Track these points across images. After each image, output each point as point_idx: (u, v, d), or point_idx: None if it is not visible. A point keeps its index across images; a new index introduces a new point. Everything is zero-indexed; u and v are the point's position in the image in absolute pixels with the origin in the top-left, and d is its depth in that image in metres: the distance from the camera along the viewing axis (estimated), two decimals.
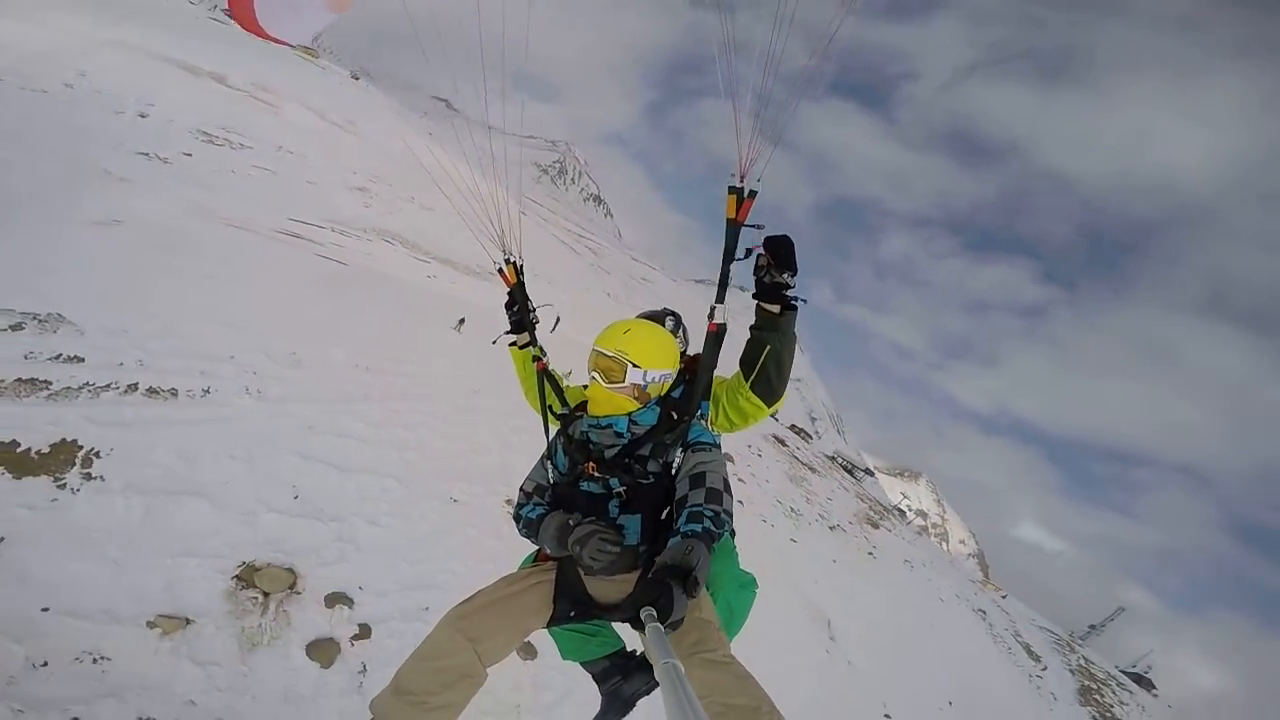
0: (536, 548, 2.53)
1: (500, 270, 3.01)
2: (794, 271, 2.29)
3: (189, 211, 9.81)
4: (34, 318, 5.03)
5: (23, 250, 6.15)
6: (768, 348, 2.36)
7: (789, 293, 2.32)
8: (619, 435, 2.37)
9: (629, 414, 2.37)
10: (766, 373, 2.39)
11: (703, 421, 2.48)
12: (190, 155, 13.22)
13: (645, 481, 2.32)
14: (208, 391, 5.44)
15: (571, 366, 6.67)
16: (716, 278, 2.54)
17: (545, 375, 2.84)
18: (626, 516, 2.30)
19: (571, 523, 2.24)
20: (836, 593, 12.15)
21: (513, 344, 3.00)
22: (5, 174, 7.82)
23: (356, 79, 33.83)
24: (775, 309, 2.32)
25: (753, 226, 2.41)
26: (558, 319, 3.15)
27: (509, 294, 2.98)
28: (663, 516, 2.32)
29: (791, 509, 15.22)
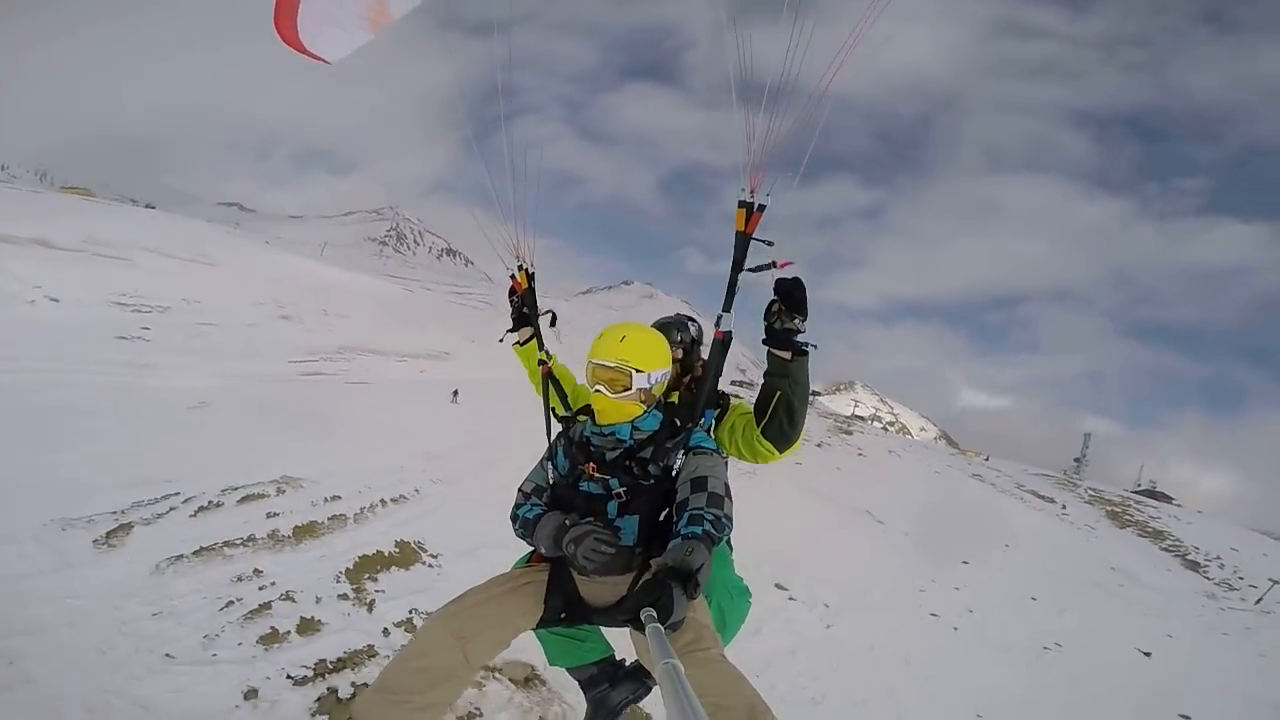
0: (531, 549, 2.51)
1: (513, 276, 3.10)
2: (805, 316, 2.28)
3: (228, 375, 10.68)
4: (275, 484, 6.26)
5: (176, 447, 7.22)
6: (778, 394, 2.36)
7: (799, 338, 2.32)
8: (621, 441, 2.39)
9: (632, 420, 2.39)
10: (778, 419, 2.39)
11: (704, 429, 2.50)
12: (149, 330, 13.59)
13: (645, 483, 2.33)
14: (417, 491, 7.01)
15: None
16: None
17: (550, 378, 2.89)
18: (624, 518, 2.29)
19: (568, 523, 2.24)
20: (854, 490, 14.67)
21: (515, 342, 3.08)
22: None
23: (151, 208, 32.04)
24: (787, 355, 2.32)
25: (763, 241, 2.47)
26: (553, 316, 3.20)
27: (511, 290, 3.08)
28: (660, 519, 2.34)
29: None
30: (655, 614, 1.62)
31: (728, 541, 2.40)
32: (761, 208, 2.48)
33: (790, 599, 8.26)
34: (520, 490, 2.55)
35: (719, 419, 2.63)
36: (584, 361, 2.50)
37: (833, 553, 11.24)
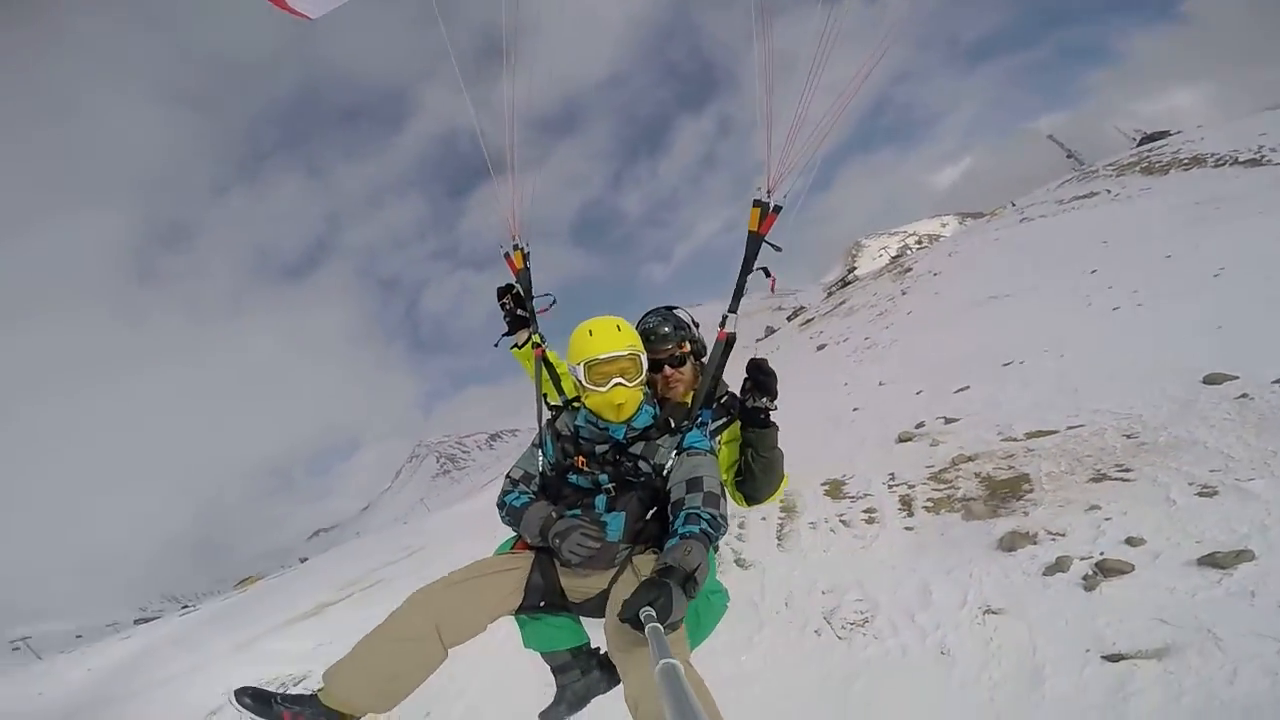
0: (515, 535, 2.49)
1: (507, 255, 3.03)
2: (773, 397, 2.35)
3: None
4: None
5: None
6: (751, 461, 2.44)
7: (768, 416, 2.39)
8: (612, 436, 2.38)
9: (629, 419, 2.37)
10: (753, 479, 2.46)
11: (702, 429, 2.47)
12: None
13: (633, 480, 2.33)
14: None
15: None
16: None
17: (544, 361, 2.87)
18: (611, 514, 2.28)
19: (554, 514, 2.26)
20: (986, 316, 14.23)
21: (513, 346, 3.02)
22: None
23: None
24: (752, 430, 2.40)
25: (773, 246, 2.47)
26: (553, 300, 3.08)
27: (501, 288, 3.02)
28: (647, 518, 2.33)
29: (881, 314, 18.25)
30: (654, 614, 1.59)
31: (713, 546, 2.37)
32: (778, 209, 2.44)
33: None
34: (508, 476, 2.54)
35: (724, 427, 2.57)
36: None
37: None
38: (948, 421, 8.20)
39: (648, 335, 2.66)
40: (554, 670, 2.58)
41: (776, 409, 2.37)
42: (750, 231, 2.48)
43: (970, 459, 6.66)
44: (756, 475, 2.44)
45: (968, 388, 9.39)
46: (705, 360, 2.76)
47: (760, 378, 2.34)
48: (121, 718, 11.01)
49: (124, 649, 18.90)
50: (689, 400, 2.65)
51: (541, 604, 2.32)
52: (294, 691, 2.15)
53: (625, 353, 2.30)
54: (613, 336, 2.32)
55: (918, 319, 18.13)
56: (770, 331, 42.59)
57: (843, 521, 6.43)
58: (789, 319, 45.41)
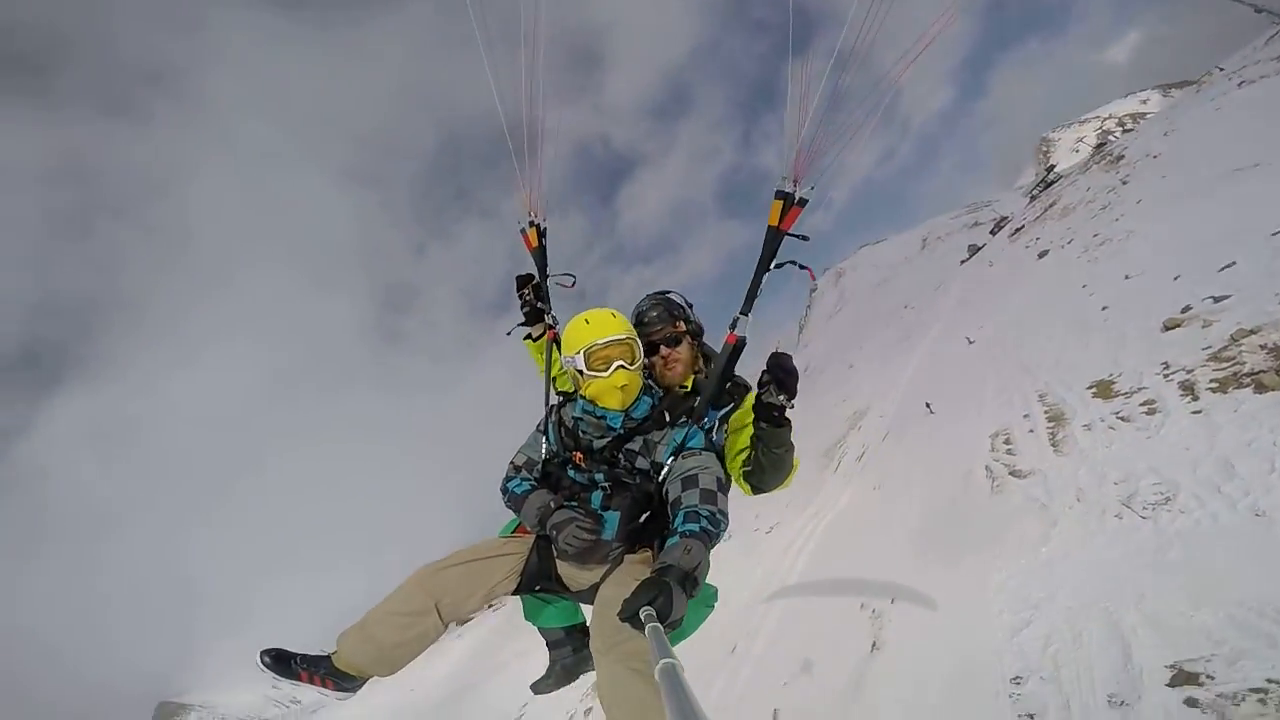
0: (517, 519, 2.55)
1: (523, 231, 3.01)
2: (792, 396, 2.29)
3: None
4: None
5: None
6: (758, 456, 2.40)
7: (783, 413, 2.33)
8: (611, 428, 2.39)
9: (628, 408, 2.38)
10: (761, 472, 2.43)
11: (704, 428, 2.44)
12: None
13: (629, 481, 2.36)
14: None
15: None
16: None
17: (556, 343, 2.84)
18: (607, 512, 2.33)
19: (553, 505, 2.30)
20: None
21: (527, 337, 3.02)
22: None
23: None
24: (766, 426, 2.34)
25: (798, 237, 2.35)
26: (574, 279, 3.08)
27: (521, 278, 3.01)
28: (641, 520, 2.35)
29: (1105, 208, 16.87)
30: (654, 613, 1.58)
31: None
32: (803, 202, 2.31)
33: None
34: (511, 463, 2.60)
35: (731, 411, 2.55)
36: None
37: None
38: (1217, 300, 7.66)
39: (640, 318, 2.71)
40: (548, 644, 2.73)
41: (793, 407, 2.32)
42: (770, 226, 2.34)
43: (1252, 332, 6.32)
44: (766, 469, 2.41)
45: (1234, 264, 8.60)
46: (704, 343, 2.81)
47: (780, 375, 2.27)
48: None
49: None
50: (689, 384, 2.67)
51: (537, 588, 2.44)
52: (313, 653, 2.37)
53: (623, 336, 2.35)
54: (609, 322, 2.37)
55: (1150, 206, 16.11)
56: (975, 250, 38.72)
57: (1121, 418, 6.41)
58: (993, 232, 41.28)
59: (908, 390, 15.12)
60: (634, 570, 2.24)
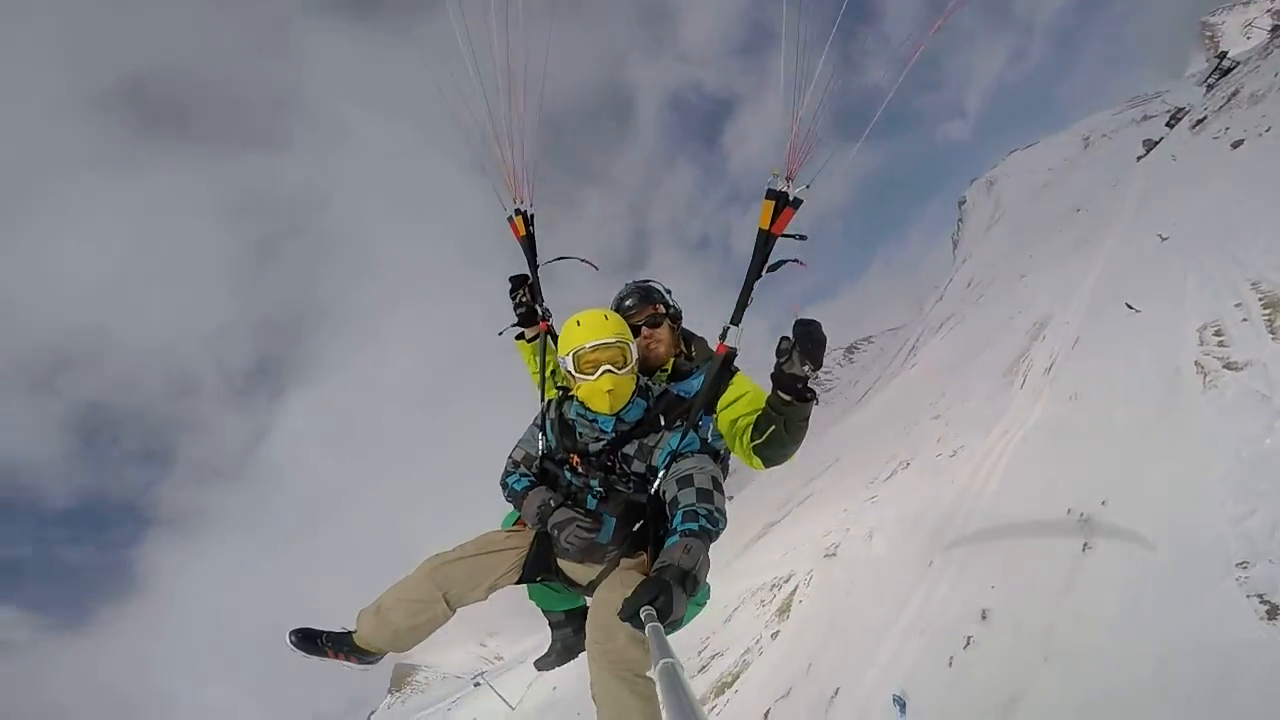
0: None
1: (510, 219, 2.92)
2: (818, 367, 2.09)
3: None
4: None
5: None
6: (773, 429, 2.26)
7: (806, 385, 2.15)
8: (603, 431, 2.39)
9: (620, 411, 2.36)
10: (770, 447, 2.31)
11: (696, 431, 2.42)
12: None
13: (622, 489, 2.38)
14: None
15: None
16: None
17: (550, 335, 2.87)
18: (604, 516, 2.37)
19: (553, 503, 2.36)
20: None
21: (520, 337, 3.01)
22: None
23: None
24: (789, 399, 2.17)
25: (793, 237, 2.20)
26: (595, 267, 3.00)
27: (515, 278, 2.94)
28: (634, 528, 2.38)
29: None
30: (655, 613, 1.60)
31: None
32: (797, 203, 2.15)
33: None
34: (510, 458, 2.65)
35: (720, 393, 2.50)
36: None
37: None
38: None
39: (620, 303, 2.76)
40: (550, 624, 2.85)
41: (818, 379, 2.17)
42: (761, 230, 2.18)
43: None
44: (785, 444, 2.28)
45: None
46: (684, 327, 2.84)
47: (809, 345, 2.07)
48: None
49: None
50: (669, 366, 2.71)
51: (539, 579, 2.56)
52: (336, 630, 2.51)
53: (613, 340, 2.32)
54: (600, 325, 2.35)
55: None
56: (1152, 145, 34.62)
57: None
58: (1170, 124, 35.92)
59: (1095, 294, 13.81)
60: (628, 575, 2.29)
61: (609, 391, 2.30)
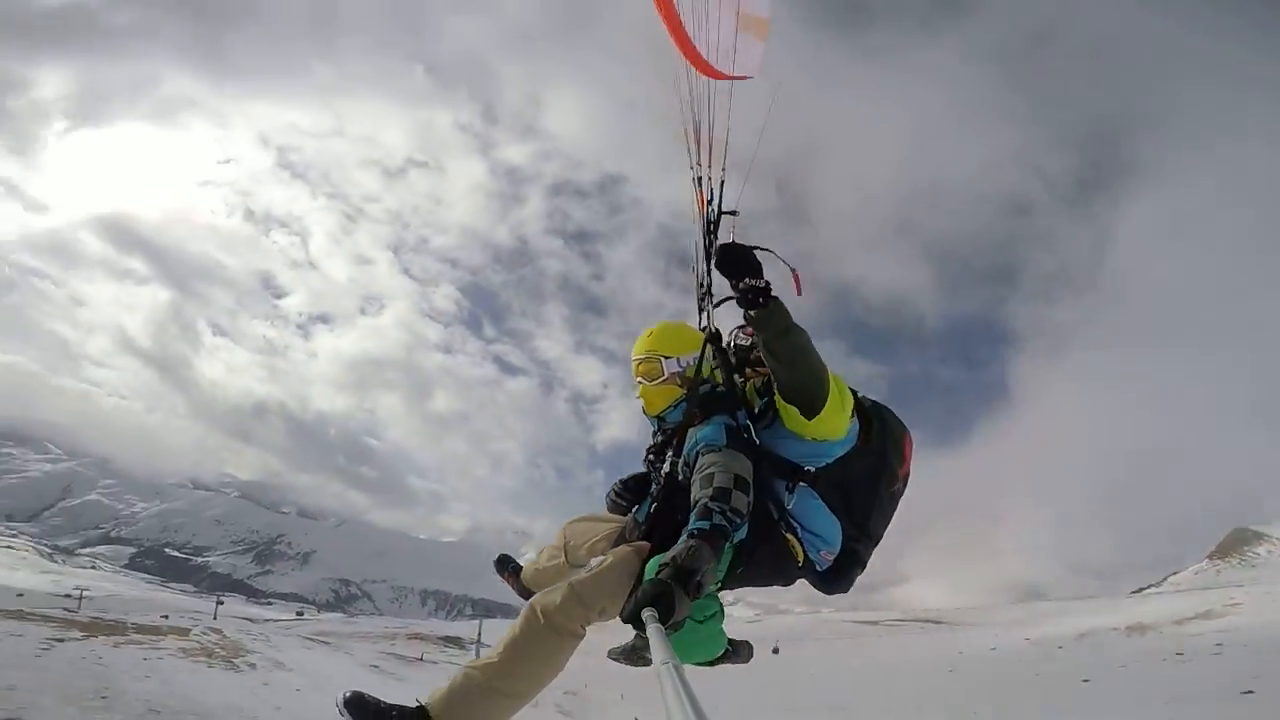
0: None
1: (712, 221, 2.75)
2: (754, 273, 2.16)
3: None
4: None
5: None
6: (776, 366, 2.24)
7: (756, 295, 2.16)
8: (654, 435, 2.60)
9: (660, 414, 2.53)
10: (781, 379, 2.24)
11: (723, 423, 2.33)
12: None
13: (655, 480, 2.51)
14: None
15: None
16: None
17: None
18: (646, 499, 2.54)
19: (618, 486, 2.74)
20: None
21: None
22: None
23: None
24: (748, 315, 2.22)
25: (728, 214, 2.40)
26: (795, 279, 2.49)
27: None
28: (657, 510, 2.45)
29: None
30: (657, 614, 1.57)
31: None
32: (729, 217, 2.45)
33: None
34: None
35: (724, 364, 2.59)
36: None
37: None
38: None
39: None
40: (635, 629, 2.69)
41: (766, 284, 2.17)
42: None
43: None
44: (783, 378, 2.23)
45: None
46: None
47: (725, 261, 2.22)
48: None
49: None
50: (757, 377, 2.65)
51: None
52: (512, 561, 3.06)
53: (642, 356, 2.56)
54: (640, 342, 2.60)
55: None
56: None
57: None
58: None
59: None
60: (623, 550, 2.36)
61: (643, 400, 2.60)
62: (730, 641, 2.47)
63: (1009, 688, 31.54)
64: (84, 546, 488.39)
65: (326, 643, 34.96)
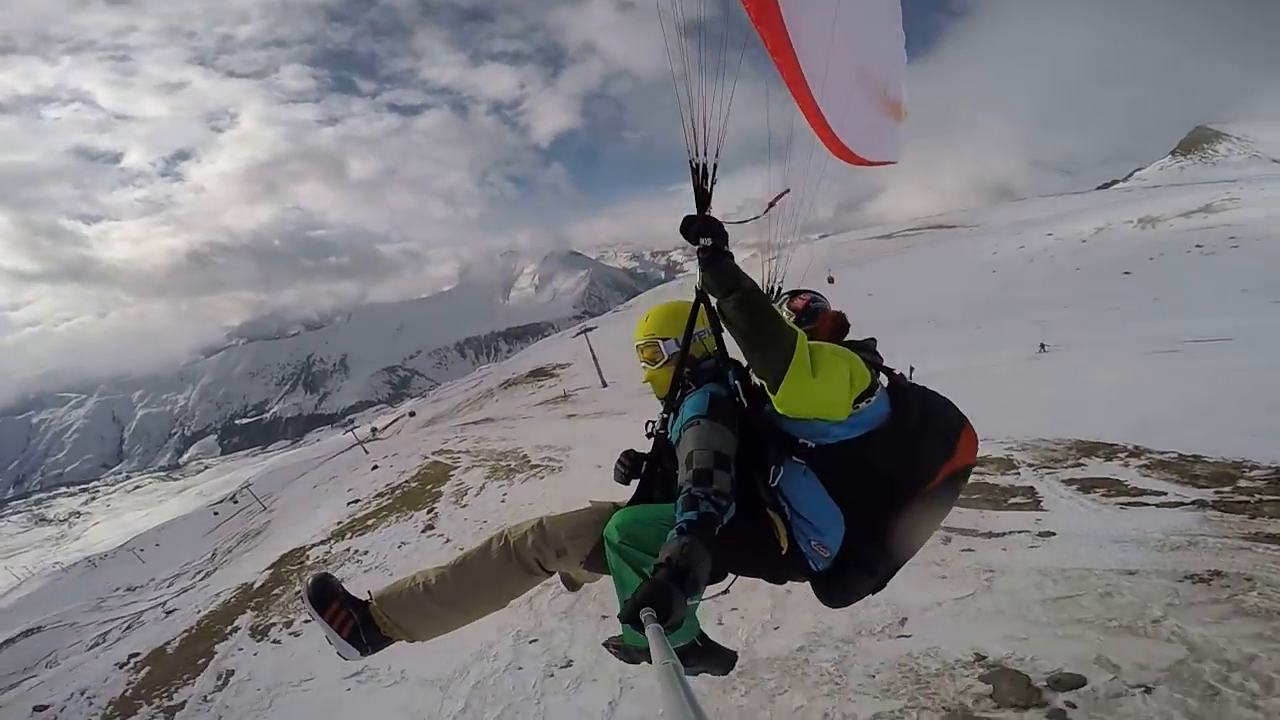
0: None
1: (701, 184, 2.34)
2: (712, 233, 1.99)
3: None
4: None
5: None
6: (722, 322, 2.14)
7: (705, 253, 1.99)
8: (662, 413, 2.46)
9: (667, 396, 2.41)
10: (740, 350, 2.05)
11: (706, 392, 2.17)
12: None
13: (653, 455, 2.41)
14: None
15: None
16: None
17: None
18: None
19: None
20: None
21: None
22: None
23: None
24: (704, 273, 2.03)
25: (783, 194, 2.24)
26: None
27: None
28: (636, 473, 2.43)
29: None
30: (655, 614, 1.55)
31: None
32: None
33: None
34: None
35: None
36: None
37: None
38: None
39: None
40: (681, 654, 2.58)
41: (713, 244, 1.98)
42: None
43: None
44: (741, 349, 2.02)
45: None
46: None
47: (687, 228, 2.03)
48: None
49: None
50: None
51: None
52: None
53: (641, 340, 2.50)
54: (638, 326, 2.53)
55: None
56: None
57: None
58: None
59: None
60: (602, 503, 2.37)
61: (651, 383, 2.52)
62: (704, 639, 2.16)
63: (1059, 279, 38.06)
64: (177, 456, 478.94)
65: (507, 418, 34.61)
